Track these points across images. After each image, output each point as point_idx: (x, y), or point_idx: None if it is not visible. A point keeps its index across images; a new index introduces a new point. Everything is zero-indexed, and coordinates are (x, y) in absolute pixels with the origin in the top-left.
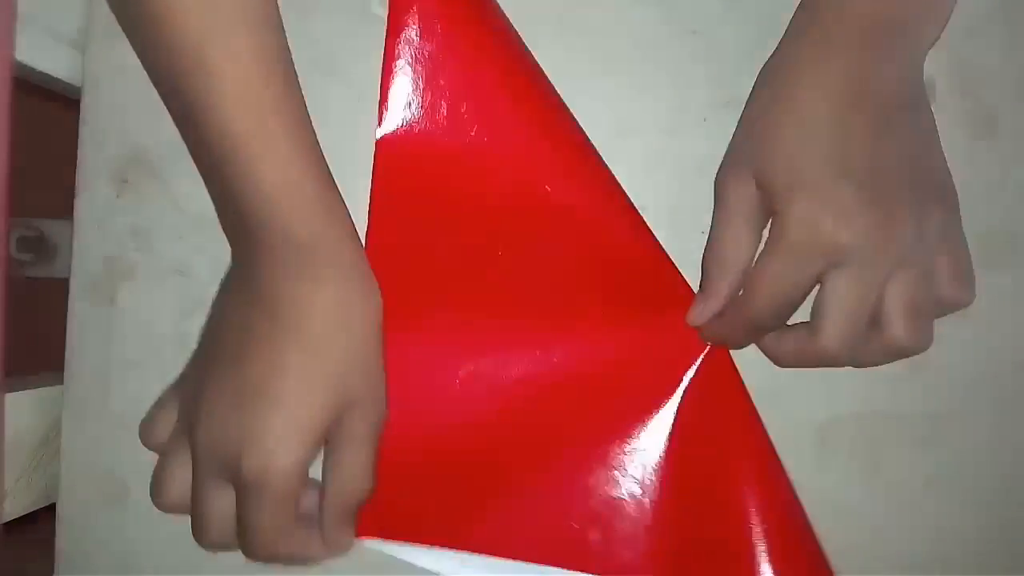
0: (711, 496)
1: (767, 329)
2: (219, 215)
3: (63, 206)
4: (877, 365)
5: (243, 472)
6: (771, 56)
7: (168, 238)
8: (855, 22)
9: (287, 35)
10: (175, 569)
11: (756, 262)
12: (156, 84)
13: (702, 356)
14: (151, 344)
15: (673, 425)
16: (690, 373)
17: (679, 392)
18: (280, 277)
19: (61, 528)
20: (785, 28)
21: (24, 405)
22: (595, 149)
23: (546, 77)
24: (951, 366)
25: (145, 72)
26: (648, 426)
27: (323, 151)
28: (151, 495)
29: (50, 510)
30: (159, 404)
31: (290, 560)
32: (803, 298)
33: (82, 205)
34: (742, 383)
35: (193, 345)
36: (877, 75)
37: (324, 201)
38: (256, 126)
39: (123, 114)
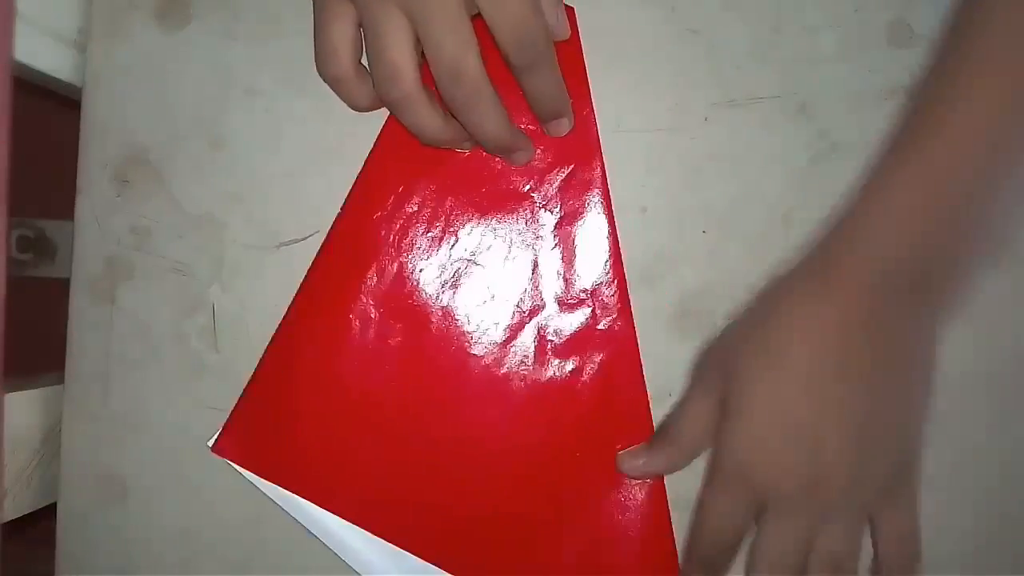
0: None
1: (712, 562)
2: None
3: (63, 206)
4: None
5: None
6: (781, 278)
7: (168, 238)
8: (857, 273)
9: (286, 35)
10: (175, 569)
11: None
12: None
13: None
14: (151, 343)
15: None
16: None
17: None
18: None
19: (61, 528)
20: (783, 29)
21: (24, 405)
22: None
23: None
24: (951, 366)
25: (143, 71)
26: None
27: (324, 150)
28: (323, 65)
29: (50, 510)
30: (325, 24)
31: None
32: (738, 532)
33: (82, 205)
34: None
35: (192, 343)
36: (863, 334)
37: None
38: None
39: (124, 113)
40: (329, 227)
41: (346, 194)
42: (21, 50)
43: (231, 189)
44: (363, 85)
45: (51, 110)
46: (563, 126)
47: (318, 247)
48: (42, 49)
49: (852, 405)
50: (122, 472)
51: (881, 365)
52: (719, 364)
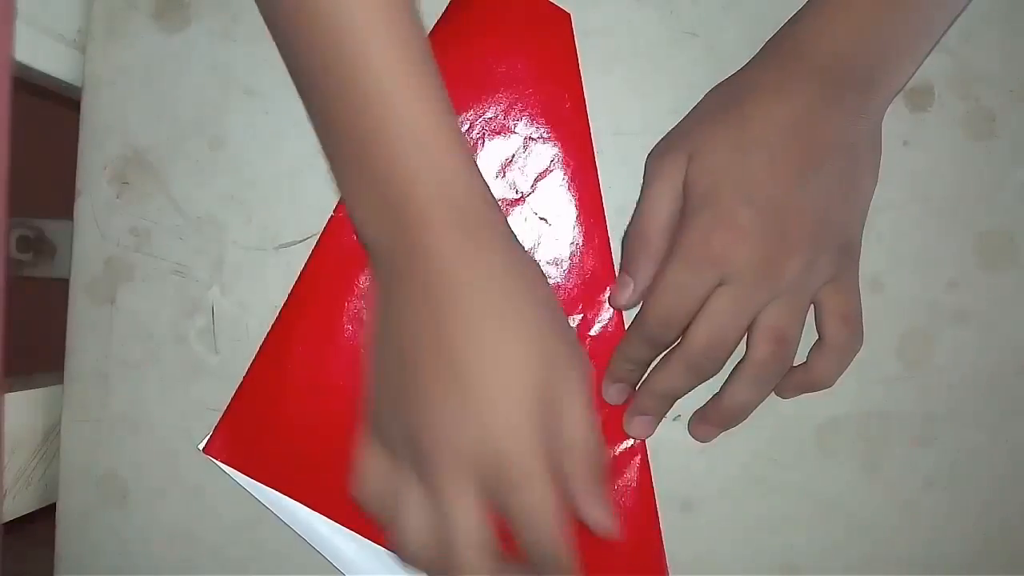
0: None
1: (657, 336)
2: (367, 223)
3: (63, 206)
4: (739, 396)
5: (493, 462)
6: (734, 73)
7: (168, 239)
8: (817, 65)
9: None
10: (175, 569)
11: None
12: (293, 55)
13: None
14: (151, 344)
15: None
16: None
17: None
18: (450, 257)
19: (61, 528)
20: None
21: (24, 405)
22: None
23: None
24: (950, 366)
25: (143, 72)
26: None
27: None
28: (403, 553)
29: (50, 510)
30: (362, 462)
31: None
32: (689, 309)
33: (82, 206)
34: None
35: (192, 345)
36: (824, 121)
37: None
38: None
39: (123, 114)
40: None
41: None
42: (21, 50)
43: (231, 190)
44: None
45: (51, 110)
46: None
47: None
48: (42, 49)
49: (814, 188)
50: (122, 473)
51: (840, 151)
52: (679, 149)
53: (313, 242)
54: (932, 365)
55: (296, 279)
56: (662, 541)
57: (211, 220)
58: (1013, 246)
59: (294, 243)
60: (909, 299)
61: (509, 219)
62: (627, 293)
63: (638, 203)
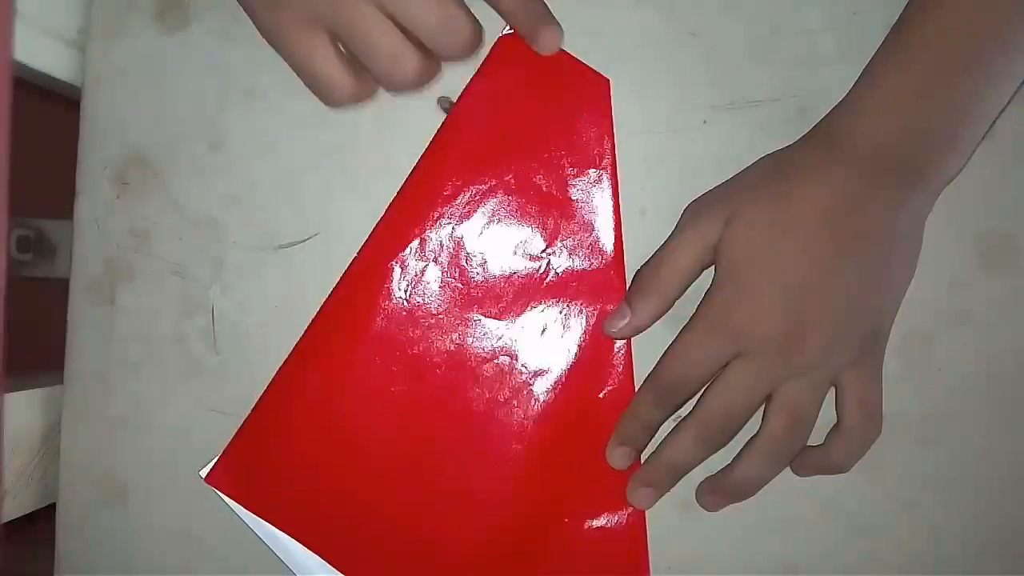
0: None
1: (668, 394)
2: None
3: (63, 206)
4: (751, 469)
5: None
6: (784, 147)
7: (168, 239)
8: (859, 154)
9: None
10: (175, 569)
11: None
12: None
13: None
14: (151, 345)
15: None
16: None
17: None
18: None
19: (61, 528)
20: (782, 32)
21: (24, 405)
22: None
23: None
24: (950, 367)
25: (143, 72)
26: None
27: (323, 152)
28: (326, 98)
29: (50, 510)
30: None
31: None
32: (703, 375)
33: (82, 206)
34: None
35: (192, 345)
36: (864, 210)
37: None
38: None
39: (123, 115)
40: (328, 229)
41: (345, 196)
42: (21, 50)
43: (231, 191)
44: (366, 85)
45: (51, 110)
46: (551, 35)
47: (317, 249)
48: (42, 49)
49: (845, 275)
50: (121, 473)
51: (877, 241)
52: (719, 208)
53: (313, 243)
54: (932, 365)
55: (313, 317)
56: (646, 540)
57: (211, 220)
58: (1013, 246)
59: (294, 244)
60: (909, 299)
61: (526, 280)
62: (621, 324)
63: (664, 244)
